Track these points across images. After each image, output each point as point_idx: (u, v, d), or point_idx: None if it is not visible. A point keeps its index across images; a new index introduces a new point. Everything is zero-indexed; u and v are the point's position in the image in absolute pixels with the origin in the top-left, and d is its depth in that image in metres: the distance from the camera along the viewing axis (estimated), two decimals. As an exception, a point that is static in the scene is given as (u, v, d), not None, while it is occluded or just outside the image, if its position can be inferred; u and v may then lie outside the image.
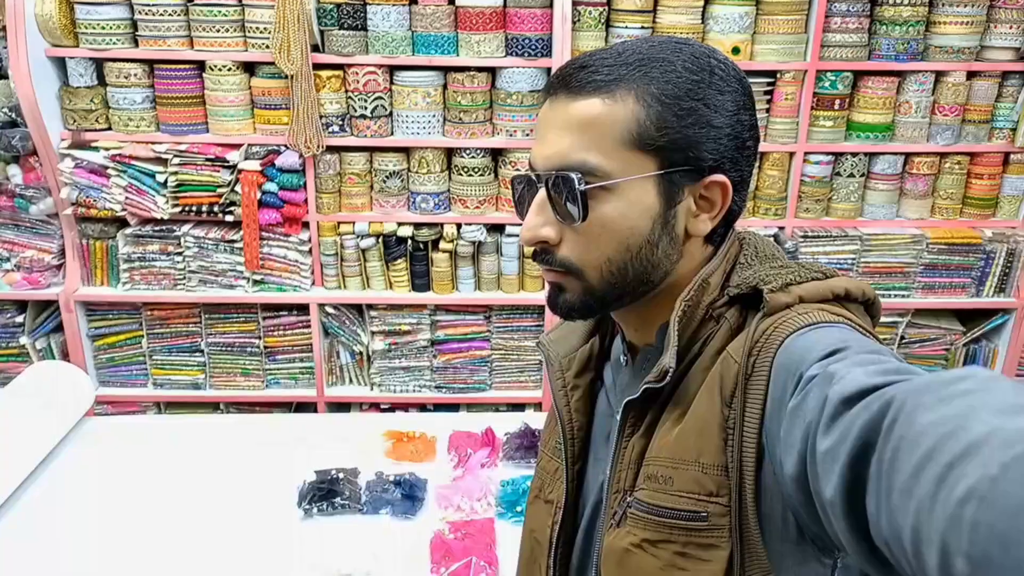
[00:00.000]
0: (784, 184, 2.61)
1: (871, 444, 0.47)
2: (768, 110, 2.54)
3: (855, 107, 2.57)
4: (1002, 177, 2.64)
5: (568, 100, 0.74)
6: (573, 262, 0.76)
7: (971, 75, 2.54)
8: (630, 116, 0.72)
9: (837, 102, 2.53)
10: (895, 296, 2.68)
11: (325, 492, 1.62)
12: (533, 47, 2.43)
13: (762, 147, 2.56)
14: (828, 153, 2.58)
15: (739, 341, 0.73)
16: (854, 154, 2.59)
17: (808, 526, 0.65)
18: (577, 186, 0.72)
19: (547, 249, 0.77)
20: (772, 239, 2.66)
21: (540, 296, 2.65)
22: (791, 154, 2.58)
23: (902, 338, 2.75)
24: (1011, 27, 2.46)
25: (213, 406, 2.78)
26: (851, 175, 2.61)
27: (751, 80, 2.58)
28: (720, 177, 0.76)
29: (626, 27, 2.43)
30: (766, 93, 2.52)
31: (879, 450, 0.46)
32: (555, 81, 0.77)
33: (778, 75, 2.50)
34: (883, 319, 2.68)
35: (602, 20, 2.44)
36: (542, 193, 0.75)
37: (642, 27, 2.43)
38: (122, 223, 2.59)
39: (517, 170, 2.54)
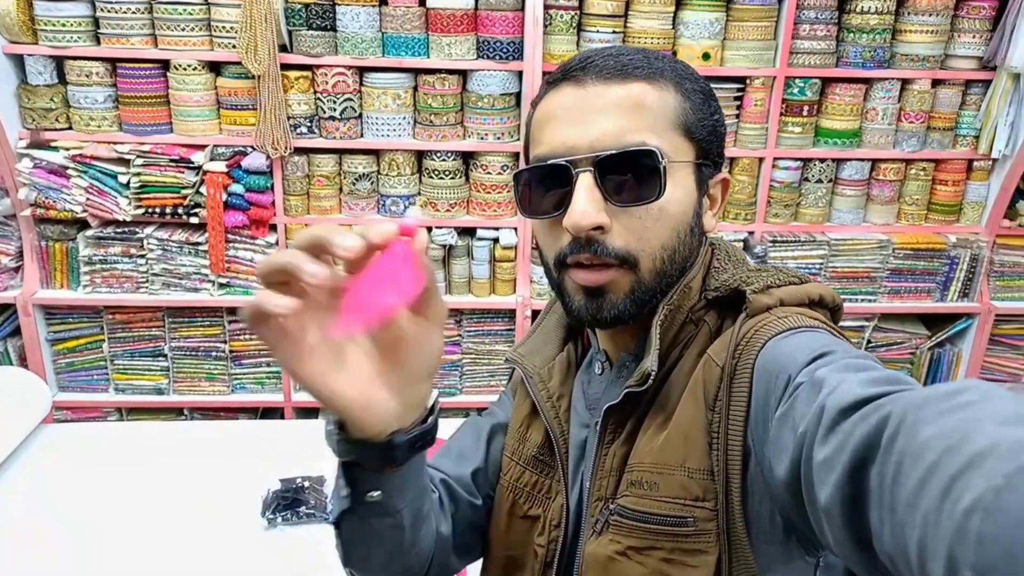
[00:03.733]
0: (753, 189, 2.63)
1: (869, 458, 0.47)
2: (738, 116, 2.56)
3: (823, 113, 2.59)
4: (966, 183, 2.68)
5: (606, 85, 0.72)
6: (630, 250, 0.72)
7: (936, 83, 2.58)
8: (676, 103, 0.74)
9: (805, 108, 2.55)
10: (862, 300, 2.71)
11: (290, 501, 1.59)
12: (504, 50, 2.41)
13: (732, 152, 2.58)
14: (797, 159, 2.61)
15: (720, 343, 0.73)
16: (822, 160, 2.62)
17: (797, 527, 0.65)
18: (659, 162, 0.71)
19: (595, 239, 0.71)
20: (741, 244, 2.69)
21: (511, 300, 2.64)
22: (760, 159, 2.60)
23: (868, 342, 2.78)
24: (974, 36, 2.50)
25: (176, 411, 2.72)
26: (819, 180, 2.64)
27: (721, 86, 2.60)
28: (725, 174, 0.81)
29: (597, 31, 2.43)
30: (736, 99, 2.54)
31: (880, 464, 0.45)
32: (578, 68, 0.74)
33: (747, 81, 2.52)
34: (850, 323, 2.71)
35: (574, 24, 2.44)
36: (588, 177, 0.71)
37: (613, 31, 2.43)
38: (83, 225, 2.53)
39: (488, 173, 2.52)
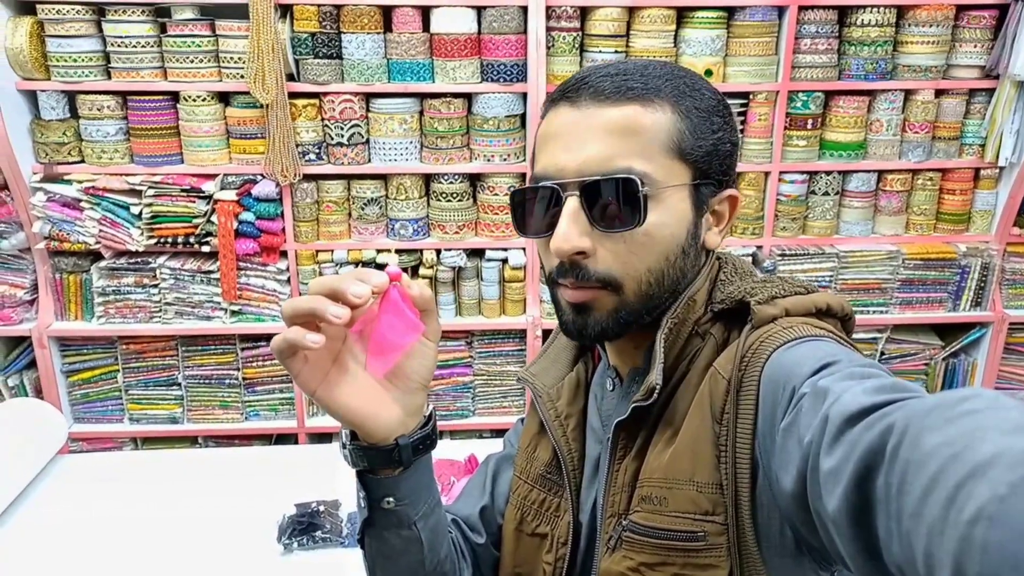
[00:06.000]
0: (760, 203, 2.63)
1: (875, 466, 0.47)
2: (742, 131, 2.57)
3: (827, 126, 2.60)
4: (973, 192, 2.68)
5: (599, 106, 0.72)
6: (614, 274, 0.73)
7: (939, 93, 2.58)
8: (671, 125, 0.73)
9: (810, 122, 2.56)
10: (873, 312, 2.70)
11: (306, 525, 1.58)
12: (508, 72, 2.44)
13: (738, 167, 2.58)
14: (803, 172, 2.61)
15: (725, 356, 0.73)
16: (828, 172, 2.62)
17: (807, 540, 0.65)
18: (640, 190, 0.71)
19: (578, 263, 0.73)
20: (750, 258, 2.69)
21: (522, 320, 2.64)
22: (766, 174, 2.61)
23: (882, 354, 2.76)
24: (975, 46, 2.51)
25: (191, 440, 2.73)
26: (826, 193, 2.64)
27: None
28: (733, 191, 0.80)
29: (600, 51, 2.45)
30: (739, 114, 2.55)
31: (885, 473, 0.45)
32: (573, 89, 0.74)
33: (751, 96, 2.53)
34: (863, 335, 2.70)
35: (576, 45, 2.46)
36: (574, 202, 0.72)
37: (615, 51, 2.45)
38: (96, 256, 2.55)
39: (495, 195, 2.54)
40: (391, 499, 0.75)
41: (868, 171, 2.63)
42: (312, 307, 0.64)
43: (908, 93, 2.58)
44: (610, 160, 0.71)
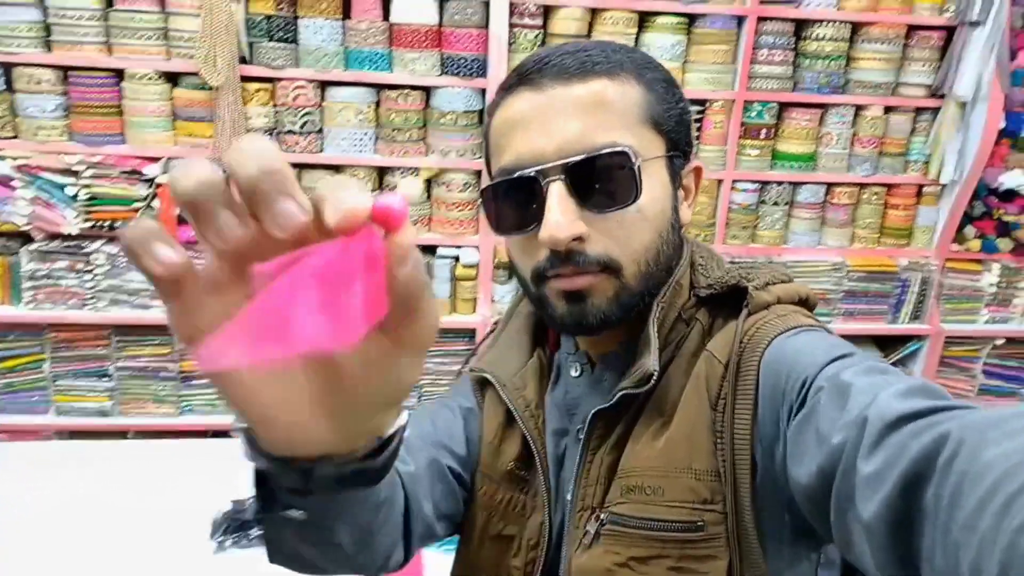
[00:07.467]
0: (713, 211, 2.66)
1: (924, 476, 0.45)
2: (698, 138, 2.59)
3: (780, 137, 2.64)
4: (916, 208, 2.75)
5: (565, 85, 0.68)
6: (613, 256, 0.69)
7: (888, 109, 2.65)
8: (640, 96, 0.70)
9: (763, 132, 2.60)
10: (819, 322, 2.74)
11: (240, 523, 1.52)
12: (469, 67, 2.41)
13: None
14: (755, 181, 2.65)
15: (722, 340, 0.71)
16: (779, 183, 2.66)
17: (805, 526, 0.63)
18: (633, 163, 0.67)
19: (575, 249, 0.68)
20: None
21: (472, 319, 2.60)
22: (720, 181, 2.63)
23: (825, 363, 2.81)
24: (924, 64, 2.58)
25: (121, 435, 2.61)
26: (776, 203, 2.68)
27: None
28: (699, 162, 0.78)
29: (561, 51, 2.44)
30: (696, 121, 2.57)
31: (936, 484, 0.44)
32: (534, 70, 0.70)
33: (707, 104, 2.56)
34: (808, 344, 2.74)
35: (538, 43, 2.45)
36: (559, 186, 0.67)
37: (576, 52, 2.45)
38: (26, 238, 2.42)
39: (451, 191, 2.50)
40: (299, 512, 0.53)
41: (817, 183, 2.68)
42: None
43: (859, 108, 2.64)
44: (589, 136, 0.67)
